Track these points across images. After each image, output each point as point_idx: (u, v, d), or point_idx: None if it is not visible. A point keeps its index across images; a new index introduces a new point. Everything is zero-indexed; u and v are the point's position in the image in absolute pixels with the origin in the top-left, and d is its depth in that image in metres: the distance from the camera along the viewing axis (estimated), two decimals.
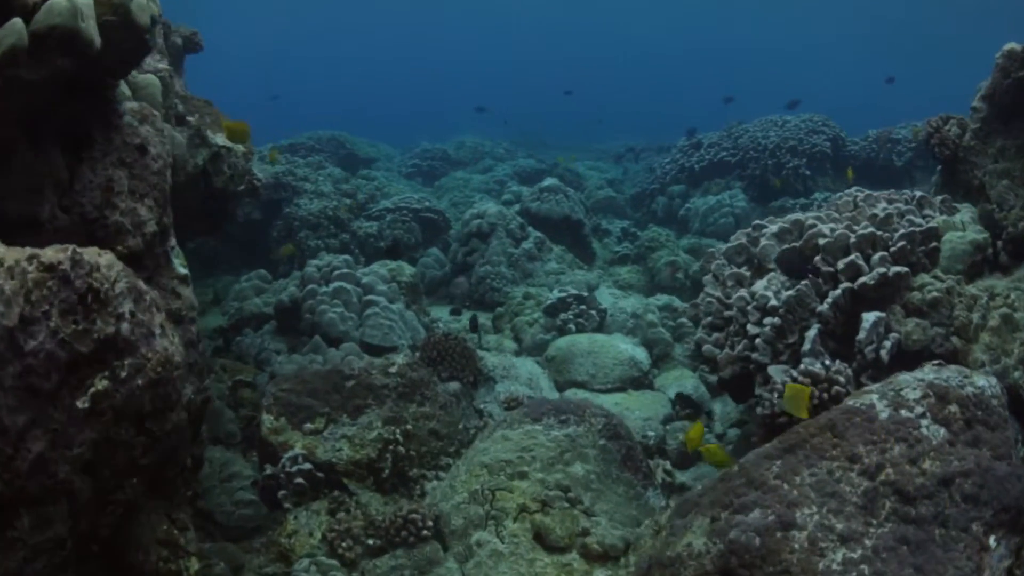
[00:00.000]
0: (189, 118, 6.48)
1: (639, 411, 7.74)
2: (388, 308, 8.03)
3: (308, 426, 5.72)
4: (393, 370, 5.85)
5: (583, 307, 9.47)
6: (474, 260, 11.17)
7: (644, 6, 59.21)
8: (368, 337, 7.79)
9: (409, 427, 5.72)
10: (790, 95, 17.64)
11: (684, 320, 9.51)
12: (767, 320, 5.37)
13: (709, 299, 6.12)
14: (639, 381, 8.42)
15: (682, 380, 8.59)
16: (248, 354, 8.35)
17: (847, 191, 6.83)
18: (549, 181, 13.29)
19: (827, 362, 5.09)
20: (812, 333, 5.32)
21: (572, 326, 9.28)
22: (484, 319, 10.23)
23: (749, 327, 5.43)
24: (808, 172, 14.54)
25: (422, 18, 63.53)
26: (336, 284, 8.06)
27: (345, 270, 8.29)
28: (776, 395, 4.94)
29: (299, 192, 12.01)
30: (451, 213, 14.18)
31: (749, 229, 6.39)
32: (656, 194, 16.23)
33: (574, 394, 8.01)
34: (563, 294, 9.65)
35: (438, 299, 11.45)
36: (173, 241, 4.91)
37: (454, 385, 6.59)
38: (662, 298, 9.95)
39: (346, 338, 7.74)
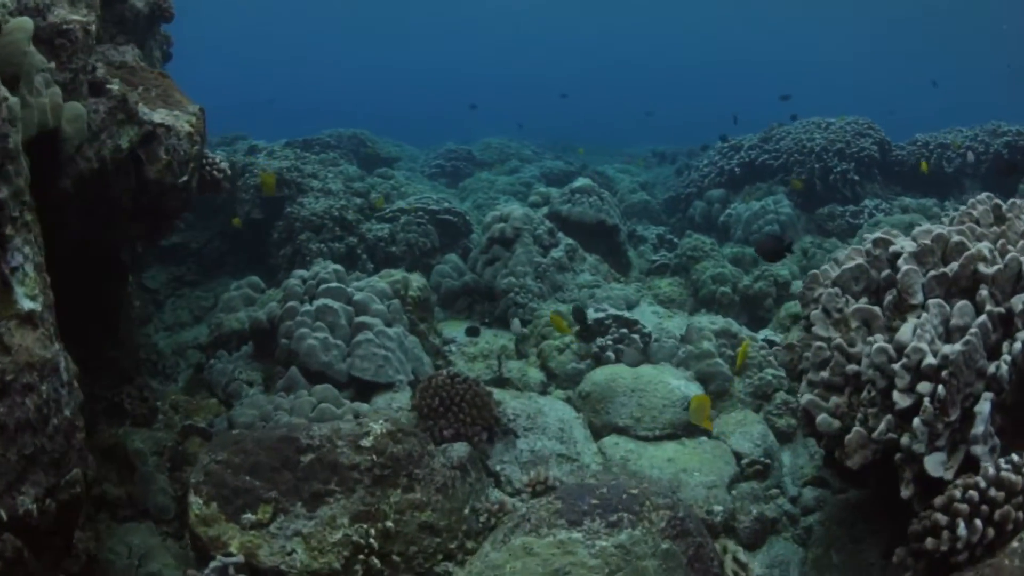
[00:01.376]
0: (111, 86, 4.61)
1: (699, 472, 5.83)
2: (384, 334, 6.11)
3: (248, 517, 3.82)
4: (367, 442, 3.93)
5: (624, 330, 7.52)
6: (496, 270, 9.23)
7: (668, 12, 56.86)
8: (357, 370, 5.88)
9: (390, 524, 3.80)
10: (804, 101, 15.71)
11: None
12: (922, 386, 3.39)
13: (820, 344, 4.13)
14: (694, 426, 6.50)
15: (746, 425, 6.67)
16: (218, 383, 6.50)
17: (979, 197, 4.84)
18: (581, 181, 11.28)
19: (1017, 459, 3.14)
20: (984, 409, 3.36)
21: (611, 354, 7.33)
22: (505, 340, 8.31)
23: (896, 395, 3.44)
24: (856, 177, 12.72)
25: (450, 23, 61.44)
26: (321, 302, 6.15)
27: (334, 284, 6.37)
28: (952, 519, 2.97)
29: (304, 190, 10.13)
30: (474, 216, 12.27)
31: (868, 245, 4.40)
32: (693, 198, 14.39)
33: (615, 445, 6.07)
34: (600, 314, 7.69)
35: (455, 313, 9.53)
36: (19, 258, 3.02)
37: (460, 449, 4.64)
38: (717, 320, 7.95)
39: (329, 371, 5.84)
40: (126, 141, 4.67)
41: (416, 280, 7.80)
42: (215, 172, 5.49)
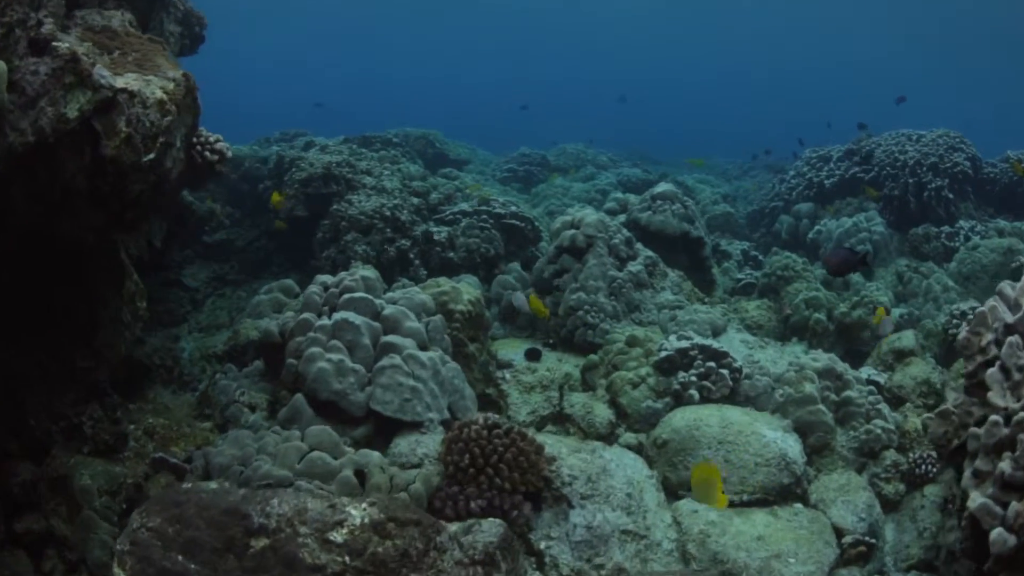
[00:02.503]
0: (59, 44, 3.44)
1: (795, 559, 4.50)
2: (415, 359, 4.81)
3: None
4: (339, 536, 2.63)
5: (711, 364, 6.10)
6: (564, 283, 7.87)
7: (737, 24, 54.44)
8: (378, 403, 4.59)
9: None
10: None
11: (852, 395, 6.04)
12: None
13: (996, 419, 2.71)
14: (789, 490, 5.14)
15: (849, 492, 5.36)
16: (218, 403, 5.31)
17: None
18: (663, 186, 9.79)
19: None
20: None
21: (694, 392, 5.93)
22: (570, 367, 6.95)
23: None
24: (950, 195, 11.11)
25: (525, 32, 59.99)
26: (340, 316, 4.88)
27: (359, 294, 5.08)
28: None
29: (354, 187, 8.93)
30: (545, 223, 10.95)
31: None
32: (779, 212, 12.86)
33: (694, 514, 4.68)
34: (684, 343, 6.28)
35: (516, 330, 8.21)
36: None
37: (489, 531, 3.23)
38: (819, 357, 6.44)
39: (342, 402, 4.56)
40: (75, 109, 3.50)
41: (468, 291, 6.49)
42: (208, 153, 4.29)
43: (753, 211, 13.90)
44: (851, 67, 54.17)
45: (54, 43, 3.46)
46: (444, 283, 6.32)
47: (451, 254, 8.70)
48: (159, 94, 3.87)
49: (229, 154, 4.46)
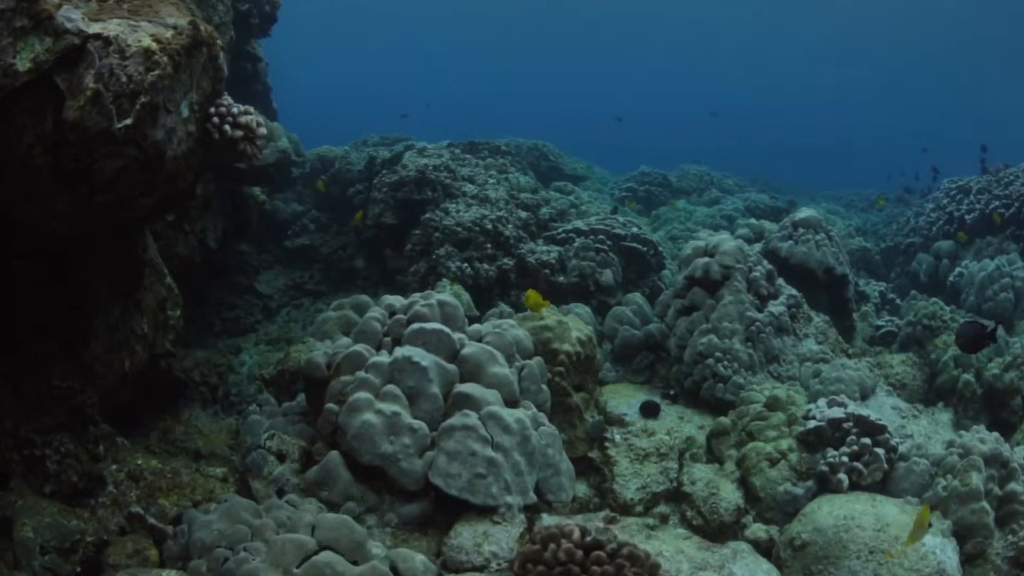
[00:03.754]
0: None
1: None
2: (497, 419, 3.48)
3: None
4: None
5: (865, 440, 4.59)
6: (693, 323, 6.42)
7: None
8: (439, 475, 3.29)
9: None
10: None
11: (1017, 489, 4.45)
12: None
13: None
14: None
15: None
16: (242, 443, 4.15)
17: None
18: (806, 212, 8.12)
19: None
20: None
21: (843, 477, 4.42)
22: (693, 429, 5.52)
23: None
24: None
25: (643, 48, 57.58)
26: (403, 352, 3.60)
27: (432, 325, 3.79)
28: None
29: (453, 194, 7.72)
30: (667, 249, 9.52)
31: None
32: (916, 250, 11.08)
33: None
34: (838, 412, 4.77)
35: (631, 373, 6.78)
36: None
37: None
38: (986, 438, 4.71)
39: (391, 469, 3.26)
40: (27, 60, 2.42)
41: (578, 327, 5.14)
42: (228, 128, 3.10)
43: (887, 247, 12.10)
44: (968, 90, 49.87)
45: None
46: (549, 315, 4.98)
47: (560, 278, 7.35)
48: (146, 42, 2.69)
49: (262, 131, 3.27)
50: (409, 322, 3.87)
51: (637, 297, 7.34)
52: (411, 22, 52.29)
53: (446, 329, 3.75)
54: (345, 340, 4.06)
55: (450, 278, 6.79)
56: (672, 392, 6.14)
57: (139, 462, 3.64)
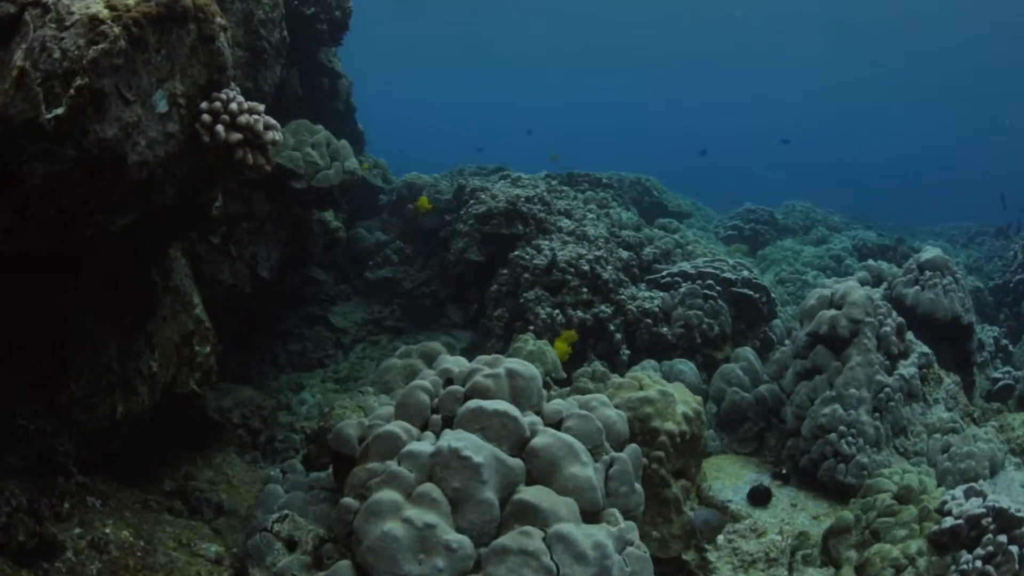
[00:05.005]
0: None
1: None
2: (569, 543, 2.44)
3: None
4: None
5: (1001, 539, 3.41)
6: (815, 388, 5.23)
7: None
8: None
9: None
10: None
11: None
12: None
13: None
14: None
15: None
16: (251, 518, 3.25)
17: None
18: (932, 252, 6.71)
19: None
20: None
21: None
22: (806, 519, 4.37)
23: None
24: None
25: (749, 79, 55.22)
26: (452, 441, 2.61)
27: (495, 404, 2.77)
28: None
29: (547, 229, 6.74)
30: (776, 293, 8.38)
31: None
32: None
33: None
34: (977, 507, 3.67)
35: (738, 444, 5.66)
36: None
37: None
38: None
39: None
40: None
41: (685, 399, 4.06)
42: (221, 129, 2.21)
43: (995, 286, 11.07)
44: None
45: None
46: (650, 384, 3.92)
47: (664, 329, 6.27)
48: (95, 8, 1.86)
49: (272, 136, 2.37)
50: (466, 396, 2.89)
51: (747, 352, 6.23)
52: (510, 58, 51.33)
53: (513, 411, 2.75)
54: (385, 411, 3.10)
55: (539, 326, 5.80)
56: (784, 471, 5.01)
57: (107, 531, 2.76)
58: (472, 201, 6.91)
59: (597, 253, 6.45)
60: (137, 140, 2.04)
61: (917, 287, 6.45)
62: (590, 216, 7.36)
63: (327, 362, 6.82)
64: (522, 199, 6.70)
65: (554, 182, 8.45)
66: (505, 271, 6.31)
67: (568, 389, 4.62)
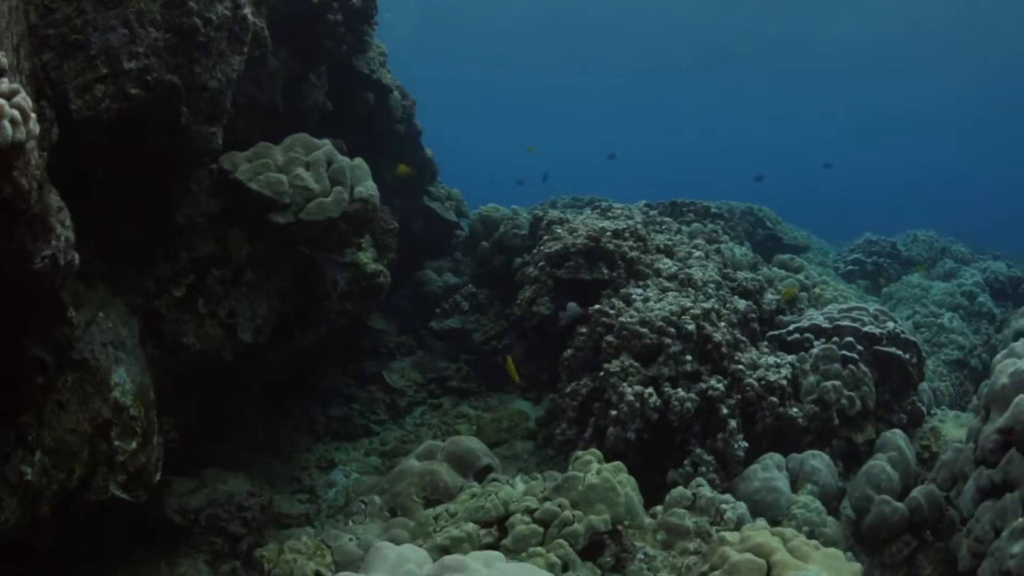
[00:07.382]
0: None
1: None
2: None
3: None
4: None
5: None
6: (1003, 514, 3.44)
7: None
8: None
9: None
10: None
11: None
12: None
13: None
14: None
15: None
16: None
17: None
18: None
19: None
20: None
21: None
22: None
23: None
24: None
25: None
26: None
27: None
28: None
29: (639, 273, 5.11)
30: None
31: None
32: None
33: None
34: None
35: (883, 567, 3.96)
36: None
37: None
38: None
39: None
40: None
41: (834, 563, 2.40)
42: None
43: None
44: None
45: None
46: (787, 564, 2.27)
47: (793, 409, 4.53)
48: None
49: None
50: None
51: (898, 438, 4.53)
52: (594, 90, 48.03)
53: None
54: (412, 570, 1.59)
55: (622, 412, 4.17)
56: None
57: None
58: (546, 236, 5.34)
59: (706, 305, 4.76)
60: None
61: None
62: (696, 254, 5.68)
63: (375, 429, 5.39)
64: (608, 233, 5.07)
65: (653, 212, 6.77)
66: (584, 331, 4.71)
67: (654, 523, 3.00)
